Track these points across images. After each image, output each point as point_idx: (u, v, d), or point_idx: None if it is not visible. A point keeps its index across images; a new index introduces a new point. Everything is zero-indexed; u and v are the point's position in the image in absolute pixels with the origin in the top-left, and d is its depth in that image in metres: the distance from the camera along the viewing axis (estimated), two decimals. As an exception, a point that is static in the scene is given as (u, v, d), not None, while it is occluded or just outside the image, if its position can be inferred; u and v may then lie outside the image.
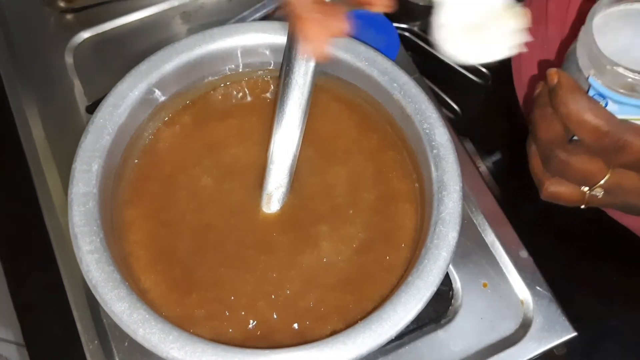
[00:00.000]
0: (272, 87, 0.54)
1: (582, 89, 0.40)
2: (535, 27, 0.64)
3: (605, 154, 0.41)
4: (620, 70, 0.38)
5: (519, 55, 0.67)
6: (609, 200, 0.43)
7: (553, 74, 0.41)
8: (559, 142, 0.42)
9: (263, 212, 0.49)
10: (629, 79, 0.38)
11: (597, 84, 0.39)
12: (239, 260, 0.48)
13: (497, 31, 0.38)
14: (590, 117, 0.39)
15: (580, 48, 0.40)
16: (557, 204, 0.53)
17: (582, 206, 0.45)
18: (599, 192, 0.43)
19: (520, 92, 0.67)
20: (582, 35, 0.40)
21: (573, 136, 0.42)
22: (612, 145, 0.40)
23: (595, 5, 0.40)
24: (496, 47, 0.39)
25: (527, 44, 0.65)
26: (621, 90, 0.39)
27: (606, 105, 0.40)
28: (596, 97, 0.40)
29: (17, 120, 0.62)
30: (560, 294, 0.55)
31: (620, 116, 0.40)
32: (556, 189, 0.44)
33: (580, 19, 0.56)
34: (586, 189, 0.43)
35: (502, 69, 0.69)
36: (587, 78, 0.40)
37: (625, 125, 0.39)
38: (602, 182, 0.42)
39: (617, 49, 0.40)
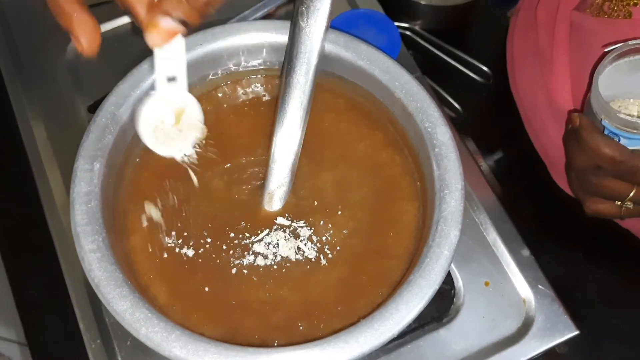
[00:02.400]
0: (274, 86, 0.54)
1: (599, 129, 0.50)
2: (526, 33, 0.64)
3: (625, 177, 0.50)
4: (622, 116, 0.49)
5: (512, 60, 0.67)
6: None
7: (575, 117, 0.51)
8: (590, 170, 0.51)
9: (264, 210, 0.49)
10: (631, 121, 0.49)
11: (608, 125, 0.50)
12: (241, 250, 0.48)
13: (176, 132, 0.45)
14: (606, 151, 0.49)
15: (593, 99, 0.51)
16: (556, 205, 0.57)
17: (621, 218, 0.53)
18: (629, 205, 0.52)
19: (516, 94, 0.67)
20: (592, 90, 0.50)
21: None
22: (628, 170, 0.49)
23: (601, 65, 0.50)
24: (175, 146, 0.46)
25: (520, 49, 0.65)
26: (627, 129, 0.49)
27: (619, 140, 0.50)
28: (610, 135, 0.50)
29: (19, 120, 0.62)
30: (562, 293, 0.54)
31: (631, 147, 0.49)
32: (596, 207, 0.53)
33: (570, 26, 0.58)
34: (619, 203, 0.52)
35: (503, 68, 0.69)
36: (601, 121, 0.50)
37: (636, 154, 0.49)
38: (630, 196, 0.51)
39: (628, 91, 0.52)
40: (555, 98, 0.59)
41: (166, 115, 0.45)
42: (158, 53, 0.42)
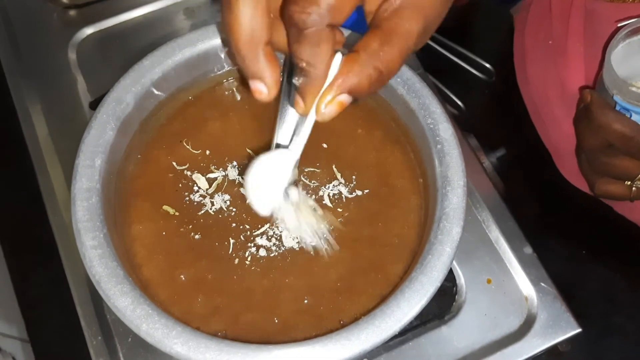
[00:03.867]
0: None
1: (610, 105, 0.49)
2: (540, 23, 0.64)
3: (636, 154, 0.49)
4: (635, 89, 0.47)
5: (523, 53, 0.66)
6: None
7: (586, 94, 0.51)
8: (600, 148, 0.51)
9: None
10: None
11: (620, 101, 0.49)
12: (244, 243, 0.48)
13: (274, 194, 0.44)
14: (617, 127, 0.48)
15: (605, 74, 0.50)
16: (558, 202, 0.55)
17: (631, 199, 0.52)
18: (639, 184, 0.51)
19: (525, 87, 0.66)
20: (605, 64, 0.49)
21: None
22: (639, 147, 0.48)
23: (614, 39, 0.49)
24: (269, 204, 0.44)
25: (531, 41, 0.65)
26: None
27: (631, 116, 0.49)
28: (622, 111, 0.49)
29: (21, 117, 0.62)
30: (565, 291, 0.54)
31: None
32: (606, 187, 0.52)
33: (585, 17, 0.57)
34: (628, 183, 0.51)
35: (506, 65, 0.69)
36: (613, 97, 0.49)
37: None
38: None
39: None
40: (568, 88, 0.58)
41: (272, 175, 0.43)
42: (304, 119, 0.41)
